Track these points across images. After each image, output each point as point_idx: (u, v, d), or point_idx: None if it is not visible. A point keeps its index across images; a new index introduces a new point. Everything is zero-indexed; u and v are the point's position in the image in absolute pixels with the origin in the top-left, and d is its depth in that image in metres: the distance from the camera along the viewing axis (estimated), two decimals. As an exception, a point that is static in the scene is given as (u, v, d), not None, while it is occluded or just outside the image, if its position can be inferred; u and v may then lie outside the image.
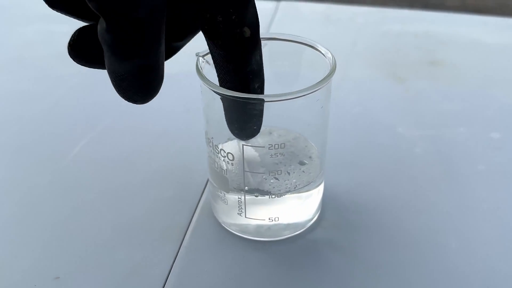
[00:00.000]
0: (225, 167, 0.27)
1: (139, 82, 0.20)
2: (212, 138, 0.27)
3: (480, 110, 0.42)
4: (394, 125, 0.40)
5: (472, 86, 0.46)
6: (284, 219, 0.29)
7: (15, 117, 0.42)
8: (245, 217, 0.29)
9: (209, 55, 0.24)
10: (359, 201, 0.33)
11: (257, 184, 0.28)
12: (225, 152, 0.27)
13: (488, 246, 0.30)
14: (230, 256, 0.29)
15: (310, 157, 0.29)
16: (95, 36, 0.20)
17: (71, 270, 0.28)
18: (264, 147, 0.26)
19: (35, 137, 0.39)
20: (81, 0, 0.20)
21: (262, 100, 0.24)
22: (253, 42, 0.23)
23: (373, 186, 0.34)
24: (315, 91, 0.24)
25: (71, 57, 0.21)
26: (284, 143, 0.26)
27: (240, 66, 0.23)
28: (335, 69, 0.26)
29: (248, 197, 0.28)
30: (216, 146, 0.27)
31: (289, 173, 0.28)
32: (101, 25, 0.19)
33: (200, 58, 0.26)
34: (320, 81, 0.25)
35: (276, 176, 0.27)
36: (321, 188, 0.30)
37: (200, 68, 0.26)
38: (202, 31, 0.23)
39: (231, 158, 0.27)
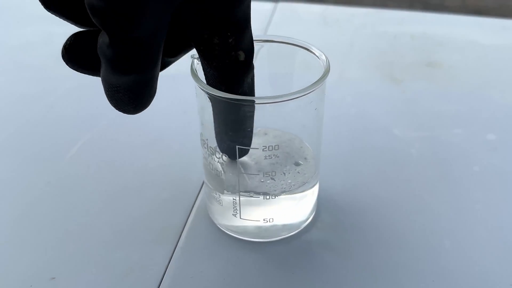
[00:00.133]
0: (220, 169, 0.28)
1: (132, 95, 0.21)
2: (207, 139, 0.27)
3: (476, 111, 0.42)
4: (390, 127, 0.40)
5: (468, 88, 0.46)
6: (279, 220, 0.29)
7: (13, 118, 0.42)
8: (240, 218, 0.29)
9: None
10: (354, 202, 0.33)
11: (251, 185, 0.28)
12: (219, 153, 0.27)
13: (482, 247, 0.30)
14: (225, 257, 0.29)
15: (305, 158, 0.29)
16: (91, 43, 0.20)
17: (67, 270, 0.28)
18: (258, 148, 0.26)
19: (32, 137, 0.39)
20: (78, 4, 0.20)
21: (253, 102, 0.24)
22: (246, 66, 0.23)
23: (368, 187, 0.34)
24: (309, 93, 0.25)
25: (64, 60, 0.21)
26: (278, 145, 0.26)
27: (232, 88, 0.24)
28: (328, 71, 0.26)
29: (243, 198, 0.28)
30: (211, 147, 0.27)
31: (284, 174, 0.28)
32: (103, 39, 0.19)
33: (195, 60, 0.26)
34: (313, 83, 0.25)
35: (271, 177, 0.28)
36: (316, 189, 0.30)
37: (195, 70, 0.26)
38: (197, 51, 0.23)
39: (225, 160, 0.27)
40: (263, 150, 0.26)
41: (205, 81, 0.25)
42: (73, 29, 0.21)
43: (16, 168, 0.37)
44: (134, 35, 0.18)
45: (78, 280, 0.28)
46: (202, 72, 0.26)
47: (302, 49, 0.28)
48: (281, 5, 0.60)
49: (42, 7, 0.20)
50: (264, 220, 0.29)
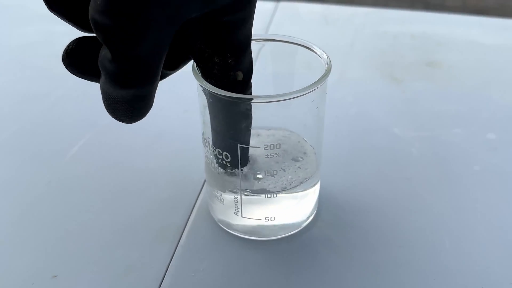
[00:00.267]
0: (221, 167, 0.28)
1: (130, 108, 0.21)
2: (209, 138, 0.27)
3: (476, 111, 0.42)
4: (391, 126, 0.40)
5: (468, 87, 0.46)
6: (280, 219, 0.29)
7: (14, 117, 0.42)
8: (242, 216, 0.29)
9: None
10: (354, 201, 0.33)
11: (253, 184, 0.28)
12: (221, 152, 0.27)
13: (482, 246, 0.30)
14: (227, 256, 0.29)
15: (305, 152, 0.29)
16: (94, 50, 0.20)
17: (69, 269, 0.29)
18: (259, 147, 0.26)
19: (33, 137, 0.40)
20: (81, 8, 0.20)
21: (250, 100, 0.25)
22: (243, 86, 0.24)
23: (369, 187, 0.34)
24: (310, 92, 0.25)
25: (64, 65, 0.21)
26: (280, 143, 0.26)
27: None
28: (330, 70, 0.26)
29: (244, 196, 0.28)
30: (213, 146, 0.28)
31: (284, 170, 0.28)
32: (105, 53, 0.19)
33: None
34: (315, 82, 0.25)
35: (273, 174, 0.28)
36: (317, 188, 0.31)
37: (196, 69, 0.26)
38: (197, 66, 0.24)
39: (227, 158, 0.27)
40: (264, 149, 0.26)
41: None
42: (75, 30, 0.21)
43: (17, 167, 0.37)
44: (136, 52, 0.19)
45: (80, 278, 0.28)
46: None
47: (303, 48, 0.28)
48: (282, 4, 0.61)
49: (44, 6, 0.20)
50: (265, 218, 0.29)
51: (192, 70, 0.26)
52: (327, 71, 0.26)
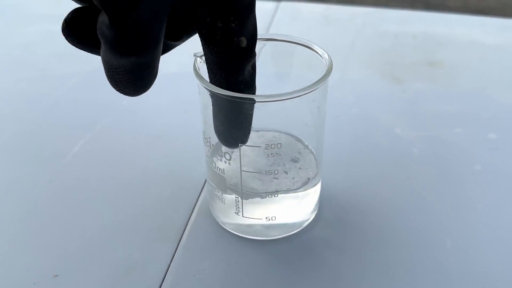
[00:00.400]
0: (222, 167, 0.28)
1: (133, 77, 0.20)
2: (210, 138, 0.27)
3: (477, 111, 0.42)
4: (392, 126, 0.40)
5: (469, 87, 0.46)
6: (281, 219, 0.29)
7: (15, 116, 0.42)
8: (242, 216, 0.29)
9: None
10: (356, 201, 0.33)
11: (254, 183, 0.28)
12: (222, 151, 0.27)
13: (483, 246, 0.30)
14: (228, 255, 0.29)
15: (305, 152, 0.29)
16: (92, 19, 0.20)
17: (70, 268, 0.29)
18: (260, 147, 0.26)
19: (34, 136, 0.40)
20: None
21: (254, 100, 0.24)
22: (248, 53, 0.23)
23: (370, 186, 0.34)
24: (311, 91, 0.25)
25: (64, 35, 0.20)
26: (280, 143, 0.26)
27: (232, 75, 0.23)
28: (331, 70, 0.26)
29: (245, 196, 0.28)
30: (214, 145, 0.28)
31: (286, 173, 0.28)
32: (102, 19, 0.19)
33: (198, 58, 0.26)
34: (316, 81, 0.25)
35: (274, 175, 0.28)
36: (318, 187, 0.31)
37: (197, 69, 0.26)
38: (199, 34, 0.23)
39: (228, 158, 0.27)
40: (265, 148, 0.26)
41: (207, 78, 0.25)
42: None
43: (18, 166, 0.37)
44: (134, 16, 0.18)
45: (80, 277, 0.28)
46: (205, 71, 0.26)
47: (304, 47, 0.28)
48: (283, 4, 0.61)
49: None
50: (266, 218, 0.29)
51: (193, 69, 0.26)
52: (328, 70, 0.26)
